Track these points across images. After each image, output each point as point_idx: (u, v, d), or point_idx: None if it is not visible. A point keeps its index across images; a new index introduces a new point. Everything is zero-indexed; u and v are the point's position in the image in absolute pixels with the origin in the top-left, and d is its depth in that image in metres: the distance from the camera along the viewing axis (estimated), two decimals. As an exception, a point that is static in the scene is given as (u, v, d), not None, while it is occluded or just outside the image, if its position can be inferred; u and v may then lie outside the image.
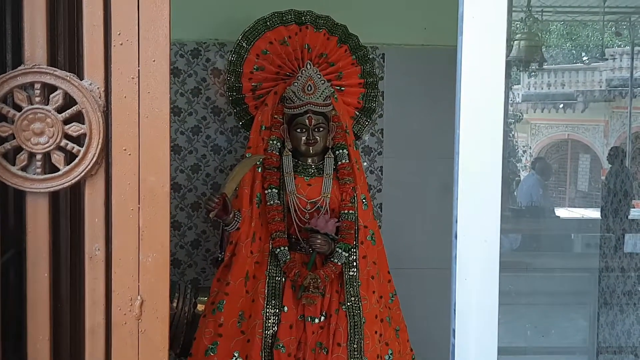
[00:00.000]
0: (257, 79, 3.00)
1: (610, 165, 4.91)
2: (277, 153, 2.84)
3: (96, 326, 1.25)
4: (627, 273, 4.11)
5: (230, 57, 3.03)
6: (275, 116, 2.87)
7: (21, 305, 1.31)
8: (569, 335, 5.14)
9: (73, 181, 1.23)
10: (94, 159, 1.22)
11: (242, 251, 2.75)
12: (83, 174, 1.23)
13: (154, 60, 1.22)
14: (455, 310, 1.24)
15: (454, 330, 1.24)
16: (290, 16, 3.01)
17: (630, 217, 4.54)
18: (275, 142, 2.84)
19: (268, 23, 2.99)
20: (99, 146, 1.22)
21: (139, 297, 1.24)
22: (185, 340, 2.93)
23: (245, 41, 2.99)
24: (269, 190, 2.79)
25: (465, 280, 1.23)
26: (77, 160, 1.22)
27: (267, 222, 2.78)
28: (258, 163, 2.82)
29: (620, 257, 4.19)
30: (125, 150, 1.23)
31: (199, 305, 3.00)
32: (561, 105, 13.09)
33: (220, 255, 2.80)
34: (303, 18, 3.02)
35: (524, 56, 6.80)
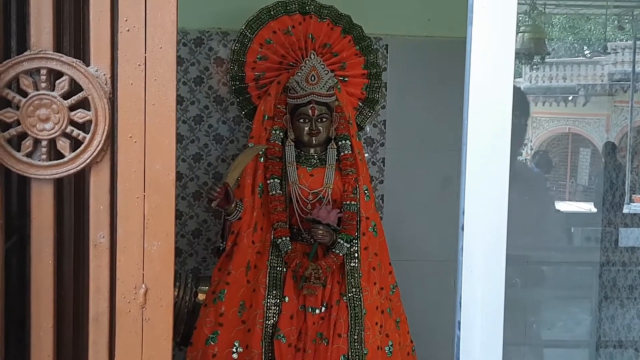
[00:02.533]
0: (261, 68, 2.99)
1: (603, 160, 4.91)
2: (280, 143, 2.83)
3: (100, 314, 1.25)
4: (628, 267, 4.10)
5: (233, 46, 3.01)
6: (278, 106, 2.86)
7: (23, 292, 1.31)
8: (569, 328, 5.14)
9: (78, 168, 1.22)
10: (100, 146, 1.21)
11: (243, 241, 2.74)
12: (88, 160, 1.22)
13: (160, 47, 1.21)
14: (460, 302, 1.24)
15: (459, 323, 1.24)
16: (294, 6, 3.00)
17: (631, 211, 4.53)
18: (277, 132, 2.83)
19: (272, 12, 2.98)
20: (105, 133, 1.21)
21: (143, 285, 1.23)
22: (186, 330, 2.93)
23: (249, 30, 2.97)
24: (271, 180, 2.78)
25: (472, 272, 1.23)
26: (82, 147, 1.22)
27: (269, 212, 2.78)
28: (260, 153, 2.81)
29: (622, 251, 4.18)
30: (131, 137, 1.22)
31: (199, 295, 3.00)
32: (570, 98, 13.06)
33: (221, 245, 2.80)
34: (307, 8, 3.00)
35: (531, 48, 6.75)
